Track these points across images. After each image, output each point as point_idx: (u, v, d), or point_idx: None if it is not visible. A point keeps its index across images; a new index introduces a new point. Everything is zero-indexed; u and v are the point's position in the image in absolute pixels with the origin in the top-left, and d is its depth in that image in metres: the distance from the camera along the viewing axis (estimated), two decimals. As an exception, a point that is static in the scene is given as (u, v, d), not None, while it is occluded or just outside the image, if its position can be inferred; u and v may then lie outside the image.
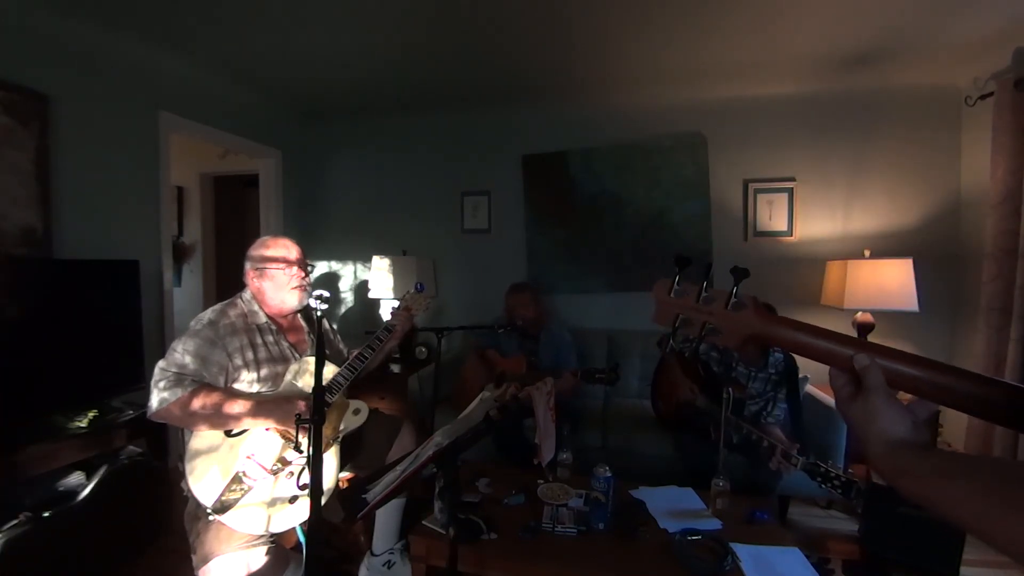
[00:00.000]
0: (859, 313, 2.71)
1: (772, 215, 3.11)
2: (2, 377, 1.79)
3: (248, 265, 1.66)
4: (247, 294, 1.66)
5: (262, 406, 1.48)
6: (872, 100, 2.94)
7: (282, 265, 1.63)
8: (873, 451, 0.49)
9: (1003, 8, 2.09)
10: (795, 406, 2.16)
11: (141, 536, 2.05)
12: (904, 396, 0.52)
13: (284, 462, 1.51)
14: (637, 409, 2.72)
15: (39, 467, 1.79)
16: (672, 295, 0.63)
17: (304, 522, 1.51)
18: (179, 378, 1.42)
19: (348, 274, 3.95)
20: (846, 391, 0.53)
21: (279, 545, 1.51)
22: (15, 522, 1.61)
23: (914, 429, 0.48)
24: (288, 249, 1.67)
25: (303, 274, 1.67)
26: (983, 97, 2.61)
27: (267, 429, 1.51)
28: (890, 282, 2.55)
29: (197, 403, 1.41)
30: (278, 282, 1.63)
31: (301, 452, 1.39)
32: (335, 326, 2.19)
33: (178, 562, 1.86)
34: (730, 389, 1.88)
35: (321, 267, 3.97)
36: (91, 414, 2.02)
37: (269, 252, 1.65)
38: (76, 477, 1.90)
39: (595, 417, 2.69)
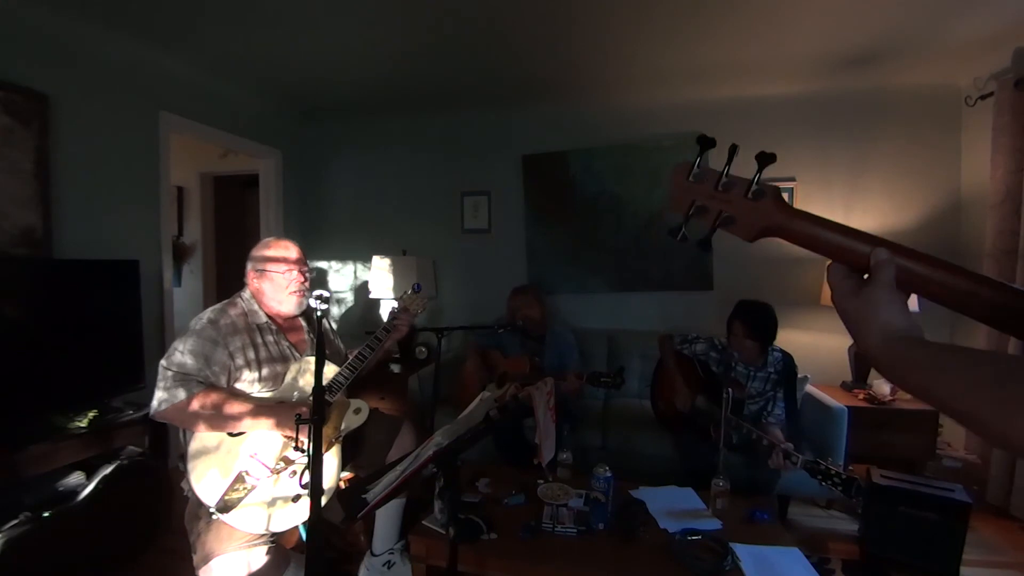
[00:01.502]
0: (859, 313, 2.71)
1: (772, 215, 3.10)
2: (2, 377, 1.79)
3: (249, 265, 1.66)
4: (247, 293, 1.66)
5: (262, 407, 1.48)
6: (872, 100, 2.95)
7: (282, 267, 1.63)
8: (872, 342, 0.49)
9: (1003, 8, 2.09)
10: (791, 405, 2.16)
11: (141, 536, 2.05)
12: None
13: (287, 461, 1.51)
14: (637, 409, 2.73)
15: (39, 467, 1.79)
16: (690, 180, 0.58)
17: (305, 521, 1.51)
18: (180, 378, 1.42)
19: (348, 274, 3.95)
20: (847, 284, 0.53)
21: (279, 545, 1.51)
22: (15, 522, 1.61)
23: (914, 324, 0.48)
24: (289, 251, 1.67)
25: (302, 278, 1.67)
26: (983, 97, 2.61)
27: (268, 430, 1.51)
28: (890, 282, 2.55)
29: (198, 404, 1.41)
30: (277, 284, 1.63)
31: (303, 451, 1.39)
32: (335, 326, 2.19)
33: (178, 562, 1.87)
34: (730, 389, 1.88)
35: (321, 267, 3.97)
36: (91, 414, 2.02)
37: (270, 253, 1.65)
38: (76, 477, 1.90)
39: (595, 417, 2.69)
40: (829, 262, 0.54)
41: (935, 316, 2.81)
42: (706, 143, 0.59)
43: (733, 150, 0.56)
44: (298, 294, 1.65)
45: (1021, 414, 0.35)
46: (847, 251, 0.52)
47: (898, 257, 0.49)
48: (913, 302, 2.52)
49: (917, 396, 0.45)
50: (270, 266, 1.63)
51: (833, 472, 1.56)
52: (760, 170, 0.55)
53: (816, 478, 1.60)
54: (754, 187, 0.55)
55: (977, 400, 0.39)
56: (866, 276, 0.51)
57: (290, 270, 1.64)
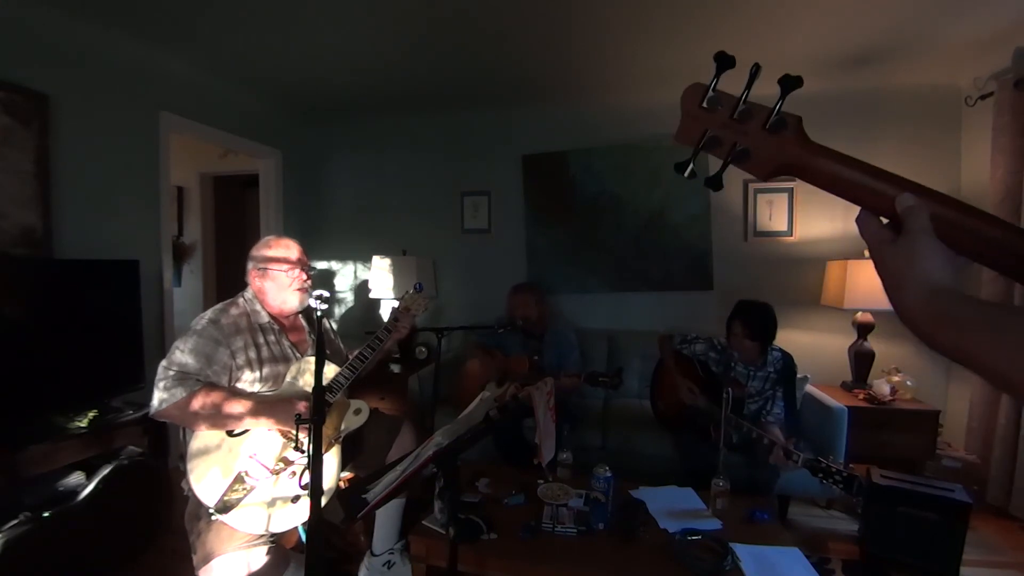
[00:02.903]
0: (859, 313, 2.71)
1: (772, 215, 3.11)
2: (2, 377, 1.79)
3: (250, 265, 1.66)
4: (248, 293, 1.66)
5: (263, 406, 1.48)
6: (872, 100, 2.95)
7: (284, 266, 1.63)
8: (912, 296, 0.44)
9: (1003, 8, 2.09)
10: (791, 404, 2.16)
11: (141, 536, 2.05)
12: None
13: (286, 461, 1.51)
14: (637, 409, 2.73)
15: (39, 467, 1.79)
16: (704, 105, 0.51)
17: (305, 522, 1.51)
18: (181, 377, 1.42)
19: (348, 274, 3.95)
20: (882, 235, 0.47)
21: (279, 545, 1.51)
22: (15, 522, 1.61)
23: (956, 277, 0.44)
24: (290, 250, 1.67)
25: (304, 276, 1.67)
26: (983, 97, 2.61)
27: (268, 430, 1.51)
28: (890, 282, 2.55)
29: (198, 403, 1.41)
30: (279, 282, 1.63)
31: (302, 451, 1.39)
32: (335, 326, 2.19)
33: (178, 562, 1.87)
34: (730, 388, 1.88)
35: (321, 267, 3.97)
36: (91, 414, 2.02)
37: (271, 252, 1.65)
38: (76, 477, 1.90)
39: (595, 417, 2.69)
40: (856, 215, 0.49)
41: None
42: (724, 61, 0.50)
43: (755, 71, 0.49)
44: (301, 292, 1.65)
45: None
46: (873, 194, 0.47)
47: (932, 203, 0.44)
48: None
49: (956, 358, 0.40)
50: (272, 265, 1.63)
51: (834, 470, 1.57)
52: (783, 96, 0.48)
53: (817, 476, 1.60)
54: (775, 116, 0.49)
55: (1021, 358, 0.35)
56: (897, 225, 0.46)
57: (292, 268, 1.64)
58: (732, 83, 0.51)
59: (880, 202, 0.46)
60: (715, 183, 0.54)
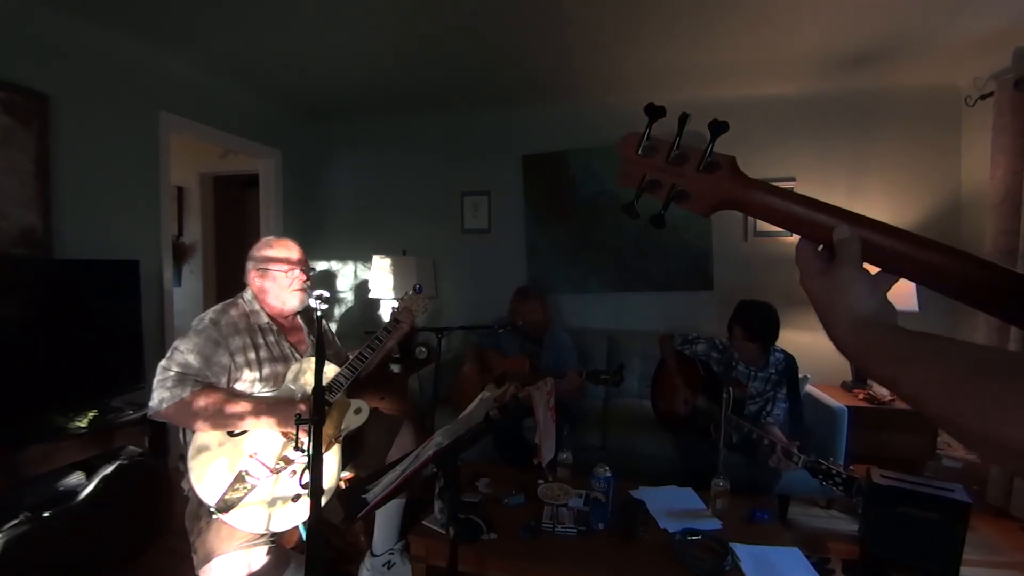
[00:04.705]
0: (859, 313, 2.71)
1: (772, 215, 3.11)
2: (2, 377, 1.79)
3: (250, 265, 1.66)
4: (248, 294, 1.66)
5: (263, 406, 1.49)
6: (872, 100, 2.95)
7: (284, 266, 1.64)
8: (840, 329, 0.45)
9: (1003, 8, 2.09)
10: (795, 405, 2.16)
11: (141, 536, 2.05)
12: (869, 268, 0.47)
13: (286, 460, 1.51)
14: (637, 409, 2.72)
15: (39, 467, 1.79)
16: (640, 152, 0.54)
17: (305, 521, 1.51)
18: (181, 378, 1.42)
19: (348, 274, 3.95)
20: (815, 265, 0.48)
21: (279, 545, 1.51)
22: (15, 522, 1.61)
23: (883, 307, 0.45)
24: (291, 250, 1.67)
25: (305, 276, 1.67)
26: (983, 97, 2.61)
27: (269, 428, 1.51)
28: (890, 282, 2.55)
29: (198, 403, 1.41)
30: (280, 283, 1.64)
31: (303, 451, 1.39)
32: (333, 327, 2.19)
33: (178, 562, 1.86)
34: (730, 388, 1.88)
35: (321, 267, 3.97)
36: (91, 414, 2.02)
37: (272, 253, 1.65)
38: (76, 477, 1.90)
39: (595, 417, 2.69)
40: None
41: (935, 315, 2.82)
42: (654, 113, 0.54)
43: (683, 120, 0.52)
44: (301, 292, 1.66)
45: (1001, 409, 0.31)
46: (809, 225, 0.48)
47: (865, 231, 0.45)
48: (913, 302, 2.52)
49: (889, 388, 0.41)
50: (272, 265, 1.63)
51: (834, 472, 1.56)
52: (712, 140, 0.51)
53: (817, 477, 1.60)
54: (707, 159, 0.51)
55: (952, 393, 0.35)
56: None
57: (292, 268, 1.64)
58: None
59: (817, 232, 0.48)
60: (658, 222, 0.57)
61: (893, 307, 0.46)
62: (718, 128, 0.51)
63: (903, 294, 2.54)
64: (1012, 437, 0.30)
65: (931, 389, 0.36)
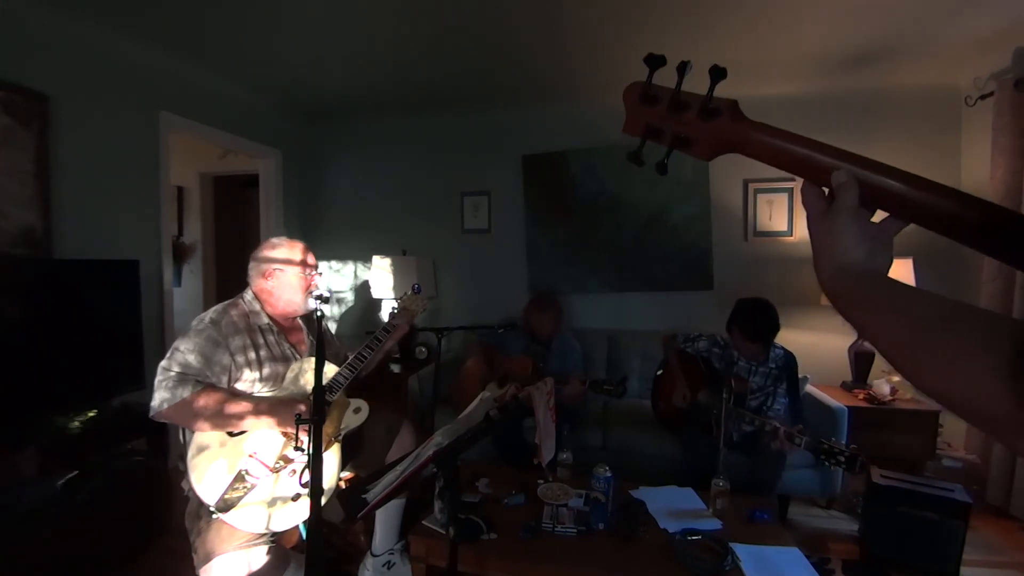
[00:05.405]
0: (859, 313, 2.71)
1: (772, 215, 3.11)
2: (2, 377, 1.79)
3: (255, 266, 1.66)
4: (248, 295, 1.65)
5: (263, 406, 1.49)
6: (872, 100, 2.95)
7: (296, 268, 1.64)
8: (824, 274, 0.46)
9: (1003, 8, 2.09)
10: (795, 402, 2.16)
11: (141, 536, 2.05)
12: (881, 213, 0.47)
13: (286, 460, 1.51)
14: (637, 409, 2.72)
15: (39, 467, 1.79)
16: (642, 101, 0.55)
17: (305, 521, 1.51)
18: (182, 378, 1.42)
19: (348, 274, 3.95)
20: (818, 208, 0.48)
21: (279, 544, 1.51)
22: (15, 522, 1.61)
23: (870, 255, 0.45)
24: (298, 251, 1.67)
25: (313, 278, 1.67)
26: (983, 97, 2.61)
27: (269, 428, 1.51)
28: (890, 282, 2.55)
29: (199, 403, 1.41)
30: (287, 283, 1.63)
31: (302, 450, 1.39)
32: (333, 327, 2.19)
33: (178, 562, 1.86)
34: (731, 382, 1.89)
35: (321, 267, 3.97)
36: (91, 414, 2.02)
37: (279, 253, 1.65)
38: (76, 477, 1.90)
39: (595, 417, 2.69)
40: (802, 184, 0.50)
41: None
42: (655, 61, 0.54)
43: (683, 67, 0.52)
44: (307, 292, 1.66)
45: (949, 362, 0.31)
46: (812, 167, 0.47)
47: (866, 172, 0.45)
48: (911, 279, 2.51)
49: (865, 338, 0.42)
50: (279, 266, 1.63)
51: (836, 450, 1.57)
52: (712, 86, 0.51)
53: (820, 457, 1.61)
54: (708, 105, 0.52)
55: (902, 344, 0.35)
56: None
57: (306, 270, 1.65)
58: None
59: (818, 173, 0.47)
60: (662, 169, 0.57)
61: (888, 256, 0.46)
62: (718, 74, 0.51)
63: (900, 276, 2.53)
64: (941, 390, 0.32)
65: (887, 339, 0.38)
